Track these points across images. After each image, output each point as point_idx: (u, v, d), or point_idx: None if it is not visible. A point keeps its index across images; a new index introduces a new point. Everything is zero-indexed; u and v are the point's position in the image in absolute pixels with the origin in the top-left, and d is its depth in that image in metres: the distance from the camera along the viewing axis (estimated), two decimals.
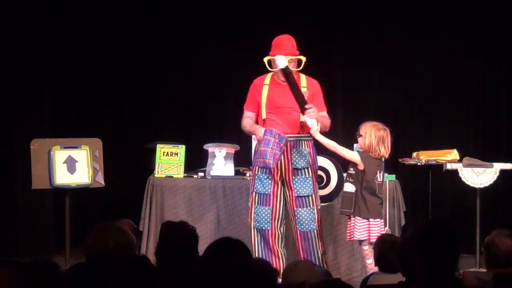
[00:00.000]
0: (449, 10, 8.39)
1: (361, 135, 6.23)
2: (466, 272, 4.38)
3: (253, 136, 6.63)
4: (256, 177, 6.33)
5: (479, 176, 7.37)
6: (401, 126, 8.35)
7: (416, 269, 3.58)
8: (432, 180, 7.74)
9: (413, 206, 8.10)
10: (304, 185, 6.26)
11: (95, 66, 8.52)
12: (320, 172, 6.63)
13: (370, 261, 5.95)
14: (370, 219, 6.16)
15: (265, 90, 6.34)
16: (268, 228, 6.30)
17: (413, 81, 8.55)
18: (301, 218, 6.27)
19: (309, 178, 6.28)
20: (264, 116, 6.32)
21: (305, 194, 6.26)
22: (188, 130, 8.53)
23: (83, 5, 8.41)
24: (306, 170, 6.27)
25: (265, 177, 6.30)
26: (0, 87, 8.05)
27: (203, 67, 8.53)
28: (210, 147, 7.39)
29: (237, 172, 7.42)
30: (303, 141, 6.28)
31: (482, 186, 7.39)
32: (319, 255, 6.31)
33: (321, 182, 6.75)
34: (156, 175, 7.33)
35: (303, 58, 6.25)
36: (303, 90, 6.26)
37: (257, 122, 6.38)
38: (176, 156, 7.38)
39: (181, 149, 7.40)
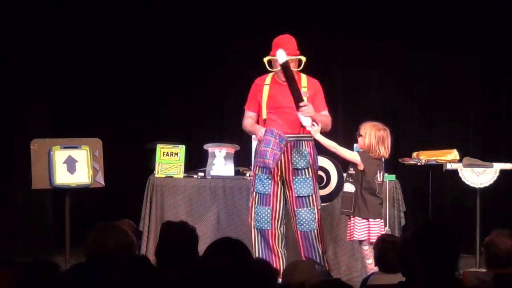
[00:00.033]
0: (449, 10, 8.39)
1: (361, 135, 6.23)
2: (466, 272, 4.39)
3: (253, 136, 6.64)
4: (257, 177, 6.33)
5: (479, 176, 7.37)
6: (401, 126, 8.35)
7: (416, 269, 3.58)
8: (432, 180, 7.74)
9: (413, 206, 8.10)
10: (304, 185, 6.26)
11: (95, 66, 8.52)
12: (320, 172, 6.63)
13: (370, 261, 5.95)
14: (370, 219, 6.16)
15: (265, 90, 6.34)
16: (268, 228, 6.31)
17: (413, 81, 8.55)
18: (301, 218, 6.27)
19: (309, 178, 6.27)
20: (264, 116, 6.32)
21: (305, 194, 6.26)
22: (188, 130, 8.53)
23: (83, 5, 8.41)
24: (306, 170, 6.27)
25: (265, 177, 6.30)
26: (0, 87, 8.05)
27: (203, 67, 8.53)
28: (210, 147, 7.40)
29: (237, 172, 7.42)
30: (303, 141, 6.28)
31: (482, 186, 7.39)
32: (320, 254, 6.32)
33: (321, 182, 6.76)
34: (156, 175, 7.33)
35: (303, 58, 6.25)
36: (304, 90, 6.26)
37: (258, 122, 6.38)
38: (176, 156, 7.38)
39: (181, 149, 7.40)
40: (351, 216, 6.22)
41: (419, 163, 7.47)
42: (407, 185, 7.81)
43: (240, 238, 3.53)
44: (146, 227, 7.20)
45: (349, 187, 6.25)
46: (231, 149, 7.40)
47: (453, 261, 3.54)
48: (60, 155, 6.94)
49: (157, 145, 7.40)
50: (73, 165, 6.96)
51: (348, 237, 6.33)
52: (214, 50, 8.47)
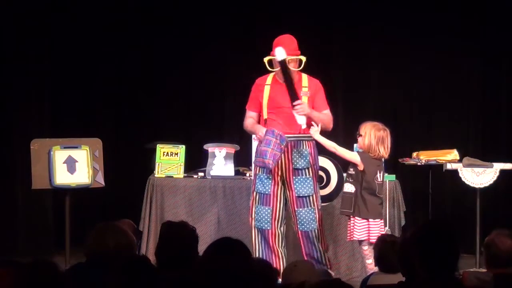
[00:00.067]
0: (449, 10, 8.39)
1: (361, 135, 6.23)
2: (466, 272, 4.39)
3: (253, 136, 6.64)
4: (257, 176, 6.34)
5: (479, 176, 7.37)
6: (401, 126, 8.35)
7: (416, 269, 3.58)
8: (432, 180, 7.74)
9: (413, 206, 8.10)
10: (304, 185, 6.26)
11: (95, 66, 8.52)
12: (320, 172, 6.63)
13: (370, 261, 5.95)
14: (370, 219, 6.16)
15: (266, 90, 6.35)
16: (268, 228, 6.31)
17: (413, 81, 8.55)
18: (301, 218, 6.27)
19: (309, 178, 6.28)
20: (265, 116, 6.33)
21: (305, 194, 6.26)
22: (188, 130, 8.53)
23: (83, 5, 8.41)
24: (306, 170, 6.27)
25: (266, 177, 6.30)
26: (0, 87, 8.05)
27: (203, 67, 8.53)
28: (210, 147, 7.40)
29: (237, 172, 7.42)
30: (304, 141, 6.29)
31: (482, 186, 7.39)
32: (321, 252, 6.32)
33: (321, 182, 6.76)
34: (156, 175, 7.33)
35: (303, 58, 6.25)
36: (305, 89, 6.27)
37: (259, 122, 6.39)
38: (176, 156, 7.38)
39: (181, 149, 7.39)
40: (351, 216, 6.22)
41: (419, 163, 7.47)
42: (407, 185, 7.81)
43: (240, 238, 3.54)
44: (146, 227, 7.20)
45: (349, 187, 6.25)
46: (231, 149, 7.40)
47: (453, 261, 3.54)
48: (60, 155, 6.94)
49: (157, 145, 7.40)
50: (73, 165, 6.95)
51: (348, 237, 6.33)
52: (214, 50, 8.47)
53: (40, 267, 3.56)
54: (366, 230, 6.15)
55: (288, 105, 6.19)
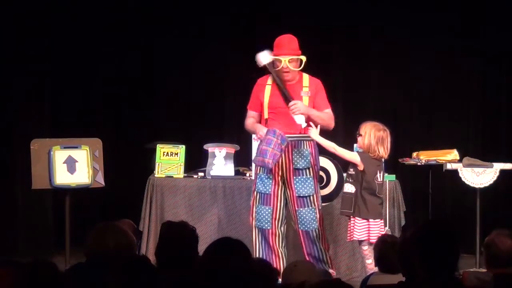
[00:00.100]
0: (449, 10, 8.39)
1: (360, 135, 6.23)
2: (466, 272, 4.38)
3: (253, 136, 6.64)
4: (258, 176, 6.34)
5: (479, 176, 7.36)
6: (401, 126, 8.35)
7: (416, 269, 3.58)
8: (432, 180, 7.74)
9: (413, 206, 8.10)
10: (304, 185, 6.26)
11: (95, 66, 8.52)
12: (320, 172, 6.63)
13: (370, 261, 5.95)
14: (370, 220, 6.16)
15: (267, 90, 6.35)
16: (269, 227, 6.31)
17: (413, 81, 8.55)
18: (302, 217, 6.28)
19: (310, 178, 6.28)
20: (266, 116, 6.33)
21: (306, 194, 6.26)
22: (188, 130, 8.53)
23: (83, 5, 8.41)
24: (306, 170, 6.27)
25: (266, 176, 6.31)
26: (0, 87, 8.05)
27: (203, 67, 8.53)
28: (210, 147, 7.39)
29: (237, 172, 7.42)
30: (304, 142, 6.29)
31: (482, 186, 7.39)
32: (323, 252, 6.33)
33: (321, 182, 6.76)
34: (156, 175, 7.33)
35: (304, 58, 6.25)
36: (305, 89, 6.28)
37: (260, 122, 6.39)
38: (176, 156, 7.38)
39: (181, 149, 7.39)
40: (351, 216, 6.22)
41: (419, 163, 7.47)
42: (407, 185, 7.80)
43: (240, 238, 3.54)
44: (146, 227, 7.20)
45: (349, 188, 6.25)
46: (231, 149, 7.40)
47: (453, 261, 3.54)
48: (60, 155, 6.94)
49: (157, 145, 7.40)
50: (73, 165, 6.95)
51: (348, 237, 6.33)
52: (214, 50, 8.47)
53: (40, 267, 3.56)
54: (366, 230, 6.14)
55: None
